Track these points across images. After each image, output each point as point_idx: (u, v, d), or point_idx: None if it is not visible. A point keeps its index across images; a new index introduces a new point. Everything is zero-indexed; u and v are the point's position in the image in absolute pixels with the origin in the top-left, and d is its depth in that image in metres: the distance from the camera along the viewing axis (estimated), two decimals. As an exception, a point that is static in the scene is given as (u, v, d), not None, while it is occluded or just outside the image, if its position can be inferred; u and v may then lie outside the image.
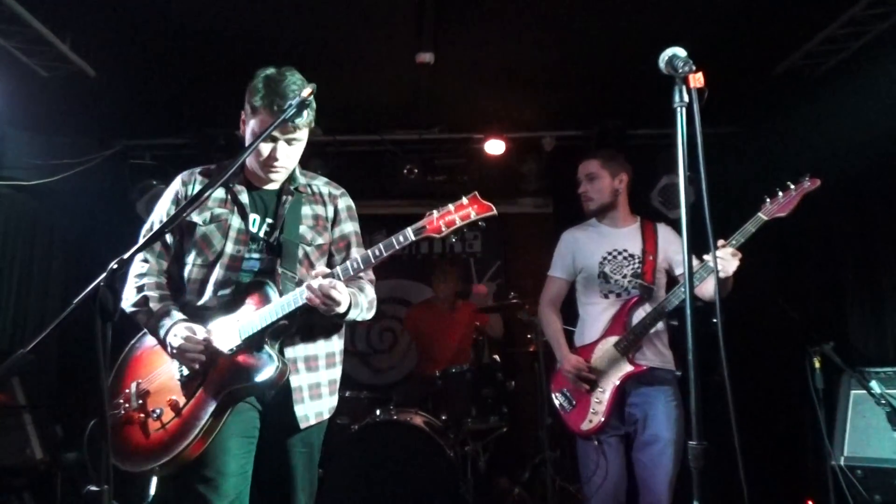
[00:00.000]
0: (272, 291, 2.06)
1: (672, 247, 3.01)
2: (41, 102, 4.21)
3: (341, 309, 2.02)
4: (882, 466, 3.24)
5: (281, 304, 2.01)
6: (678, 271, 2.98)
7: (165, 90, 4.28)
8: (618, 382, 2.83)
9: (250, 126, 2.11)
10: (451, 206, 1.97)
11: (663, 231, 3.08)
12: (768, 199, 2.64)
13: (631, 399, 2.89)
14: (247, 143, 2.10)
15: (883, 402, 3.19)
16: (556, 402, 3.00)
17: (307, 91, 1.86)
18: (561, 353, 3.02)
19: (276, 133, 2.04)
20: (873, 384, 3.25)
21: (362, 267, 2.01)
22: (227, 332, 2.05)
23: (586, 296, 3.07)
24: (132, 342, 2.25)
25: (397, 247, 1.96)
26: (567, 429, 2.96)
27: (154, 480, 3.43)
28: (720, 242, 2.54)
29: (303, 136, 2.13)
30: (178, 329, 2.03)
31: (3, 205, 4.52)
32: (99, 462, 1.38)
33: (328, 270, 2.00)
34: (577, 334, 3.09)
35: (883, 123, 3.57)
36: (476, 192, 1.98)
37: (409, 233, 1.95)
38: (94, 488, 1.37)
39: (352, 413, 4.13)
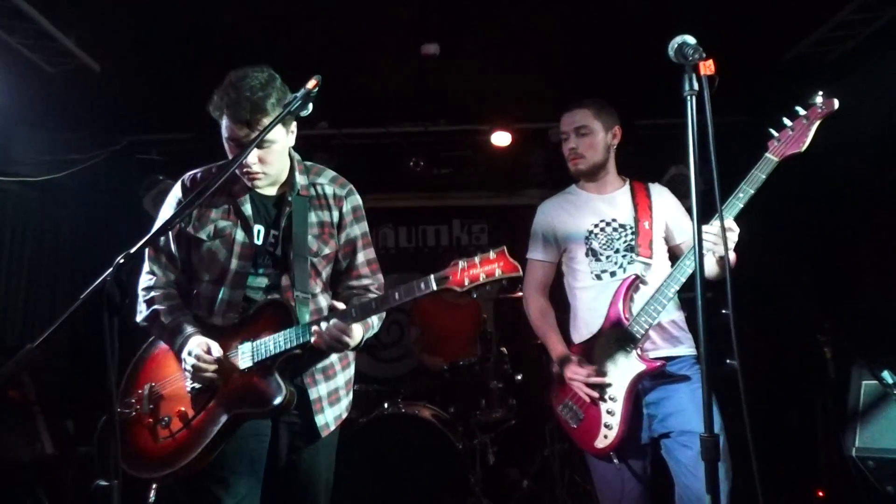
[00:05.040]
0: (288, 315, 2.01)
1: (668, 210, 2.55)
2: (47, 98, 4.22)
3: (351, 346, 2.01)
4: (894, 457, 3.22)
5: (294, 332, 1.96)
6: (678, 240, 2.54)
7: (171, 84, 4.26)
8: (630, 385, 2.30)
9: (222, 134, 2.06)
10: (476, 259, 1.85)
11: (657, 192, 2.60)
12: (776, 135, 2.14)
13: (649, 398, 2.37)
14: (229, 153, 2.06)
15: (895, 392, 3.16)
16: (562, 418, 2.46)
17: (312, 83, 1.81)
18: (557, 355, 2.49)
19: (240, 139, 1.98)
20: (885, 374, 3.22)
21: (380, 308, 1.95)
22: (240, 352, 2.03)
23: (575, 279, 2.57)
24: (150, 339, 2.23)
25: (418, 294, 1.89)
26: (578, 447, 2.47)
27: (154, 486, 3.41)
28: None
29: (274, 136, 1.98)
30: (191, 345, 2.00)
31: (10, 201, 4.55)
32: (107, 457, 1.38)
33: (342, 308, 1.94)
34: (571, 327, 2.60)
35: (894, 110, 3.52)
36: (504, 248, 1.86)
37: (432, 282, 1.87)
38: (103, 483, 1.36)
39: (360, 406, 4.13)
